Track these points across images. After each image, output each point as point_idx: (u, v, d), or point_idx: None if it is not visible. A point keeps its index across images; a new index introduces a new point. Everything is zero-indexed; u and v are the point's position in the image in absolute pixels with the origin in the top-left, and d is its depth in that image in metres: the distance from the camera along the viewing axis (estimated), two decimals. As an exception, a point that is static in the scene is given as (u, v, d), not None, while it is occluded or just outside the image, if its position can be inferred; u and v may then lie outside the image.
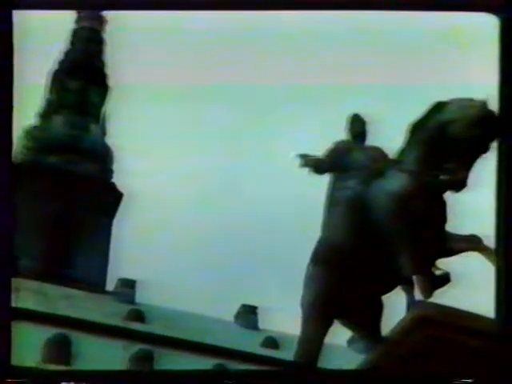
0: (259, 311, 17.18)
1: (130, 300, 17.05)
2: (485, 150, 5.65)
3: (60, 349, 13.95)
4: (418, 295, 5.63)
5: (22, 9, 4.52)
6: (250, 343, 15.56)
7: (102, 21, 22.60)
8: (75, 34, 22.77)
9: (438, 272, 5.68)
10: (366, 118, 6.34)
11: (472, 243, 5.63)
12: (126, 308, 16.40)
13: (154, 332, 15.33)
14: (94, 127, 22.25)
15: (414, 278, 5.64)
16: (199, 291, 19.30)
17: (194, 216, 23.65)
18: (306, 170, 6.24)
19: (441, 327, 5.12)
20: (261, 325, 16.87)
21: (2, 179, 4.48)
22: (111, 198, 21.08)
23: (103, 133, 22.40)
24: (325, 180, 6.28)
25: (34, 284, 15.17)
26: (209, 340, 15.24)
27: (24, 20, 4.49)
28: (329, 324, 6.00)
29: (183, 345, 14.99)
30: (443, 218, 5.77)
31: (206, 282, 20.86)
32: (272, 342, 15.79)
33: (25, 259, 16.05)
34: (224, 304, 17.63)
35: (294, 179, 6.85)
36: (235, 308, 17.36)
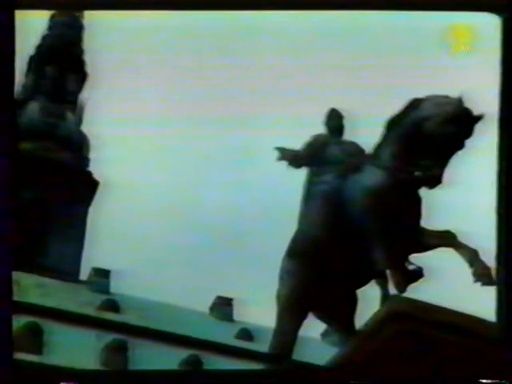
0: (234, 303, 17.21)
1: (104, 290, 16.99)
2: (460, 146, 5.70)
3: (32, 338, 13.88)
4: (391, 289, 5.68)
5: (22, 9, 4.48)
6: (225, 335, 15.59)
7: (80, 7, 22.33)
8: (53, 19, 22.49)
9: (411, 267, 5.74)
10: (344, 113, 6.37)
11: (446, 239, 5.69)
12: (99, 298, 16.33)
13: (128, 322, 15.29)
14: (70, 115, 22.05)
15: (388, 272, 5.70)
16: (174, 282, 19.30)
17: (170, 206, 23.61)
18: (284, 163, 6.26)
19: (414, 321, 5.17)
20: (236, 317, 16.91)
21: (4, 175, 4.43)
22: (87, 187, 20.94)
23: (80, 121, 22.21)
24: (301, 173, 6.31)
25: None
26: (183, 331, 15.19)
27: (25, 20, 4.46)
28: (303, 317, 6.04)
29: (157, 335, 14.96)
30: (418, 214, 5.82)
31: (181, 272, 20.87)
32: (246, 333, 15.85)
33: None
34: (199, 295, 17.64)
35: (271, 172, 6.86)
36: (210, 299, 17.38)
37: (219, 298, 17.43)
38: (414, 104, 5.83)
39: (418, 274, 5.71)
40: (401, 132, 5.84)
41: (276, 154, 6.24)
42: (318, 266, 5.93)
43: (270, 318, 6.10)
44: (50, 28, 22.49)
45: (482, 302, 5.40)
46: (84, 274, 18.67)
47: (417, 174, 5.73)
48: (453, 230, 5.70)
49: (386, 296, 5.72)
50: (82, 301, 16.28)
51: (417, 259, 5.80)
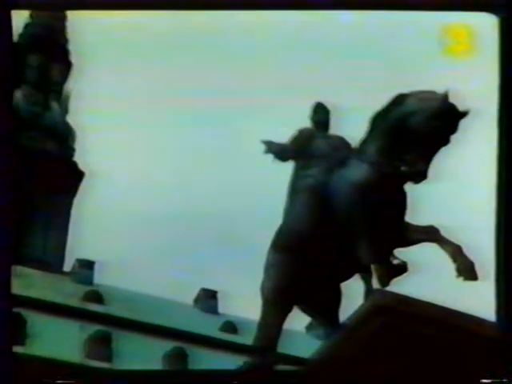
0: (219, 296, 17.22)
1: (88, 281, 16.92)
2: (445, 142, 5.73)
3: (15, 329, 13.79)
4: (375, 284, 5.71)
5: (21, 9, 4.44)
6: (209, 327, 15.60)
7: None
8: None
9: (395, 261, 5.77)
10: (330, 107, 6.38)
11: (430, 234, 5.73)
12: (83, 289, 16.28)
13: (112, 313, 15.27)
14: (55, 104, 21.90)
15: (372, 266, 5.72)
16: (159, 274, 19.27)
17: (156, 197, 23.55)
18: (270, 156, 6.26)
19: (397, 315, 5.21)
20: (221, 309, 16.92)
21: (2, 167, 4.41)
22: (72, 177, 20.83)
23: (65, 111, 22.07)
24: (288, 167, 6.31)
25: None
26: (167, 323, 15.23)
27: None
28: (288, 310, 6.06)
29: (141, 327, 14.97)
30: (403, 209, 5.85)
31: (166, 264, 20.84)
32: (231, 326, 15.86)
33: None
34: (184, 287, 17.63)
35: (257, 165, 6.87)
36: (195, 292, 17.38)
37: (204, 290, 17.43)
38: (400, 99, 5.85)
39: (401, 269, 5.74)
40: (386, 127, 5.86)
41: (263, 147, 6.24)
42: (302, 260, 5.95)
43: (255, 311, 6.12)
44: (33, 16, 22.27)
45: (465, 297, 5.45)
46: (68, 265, 18.60)
47: (402, 168, 5.76)
48: (436, 225, 5.74)
49: (369, 290, 5.75)
50: (65, 292, 16.22)
51: (401, 254, 5.83)
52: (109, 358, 13.99)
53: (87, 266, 17.61)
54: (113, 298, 16.31)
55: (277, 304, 5.98)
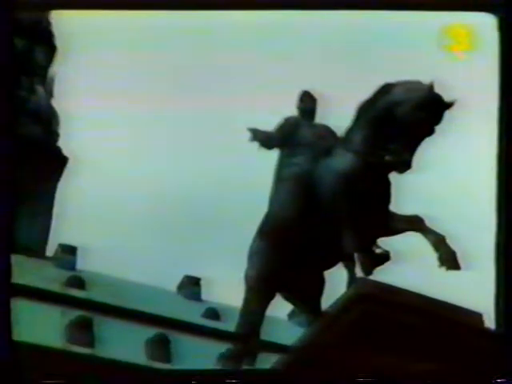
0: (202, 283, 17.24)
1: (71, 266, 16.86)
2: (430, 132, 5.76)
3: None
4: (359, 272, 5.75)
5: (21, 9, 4.39)
6: (192, 314, 15.62)
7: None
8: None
9: (378, 250, 5.80)
10: (317, 96, 6.38)
11: (414, 223, 5.76)
12: (66, 274, 16.22)
13: (94, 299, 15.24)
14: (39, 88, 21.72)
15: (356, 255, 5.75)
16: (142, 260, 19.24)
17: (140, 183, 23.47)
18: (256, 144, 6.26)
19: (379, 303, 5.24)
20: (204, 296, 16.94)
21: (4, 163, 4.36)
22: (56, 162, 20.70)
23: (49, 95, 21.89)
24: (273, 155, 6.32)
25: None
26: (150, 309, 15.23)
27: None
28: (270, 297, 6.08)
29: (124, 313, 14.96)
30: (387, 198, 5.88)
31: (149, 251, 20.79)
32: (213, 313, 15.89)
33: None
34: (167, 274, 17.62)
35: (243, 152, 6.86)
36: (178, 278, 17.39)
37: (187, 277, 17.43)
38: (386, 89, 5.86)
39: (384, 258, 5.78)
40: (372, 116, 5.88)
41: (249, 134, 6.24)
42: (286, 248, 5.97)
43: (238, 298, 6.13)
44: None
45: (447, 286, 5.49)
46: (50, 250, 18.52)
47: (387, 158, 5.78)
48: (420, 215, 5.77)
49: (352, 278, 5.78)
50: (47, 277, 16.15)
51: (384, 243, 5.86)
52: (90, 343, 13.98)
53: (70, 251, 17.54)
54: (95, 283, 16.27)
55: (260, 291, 6.00)
